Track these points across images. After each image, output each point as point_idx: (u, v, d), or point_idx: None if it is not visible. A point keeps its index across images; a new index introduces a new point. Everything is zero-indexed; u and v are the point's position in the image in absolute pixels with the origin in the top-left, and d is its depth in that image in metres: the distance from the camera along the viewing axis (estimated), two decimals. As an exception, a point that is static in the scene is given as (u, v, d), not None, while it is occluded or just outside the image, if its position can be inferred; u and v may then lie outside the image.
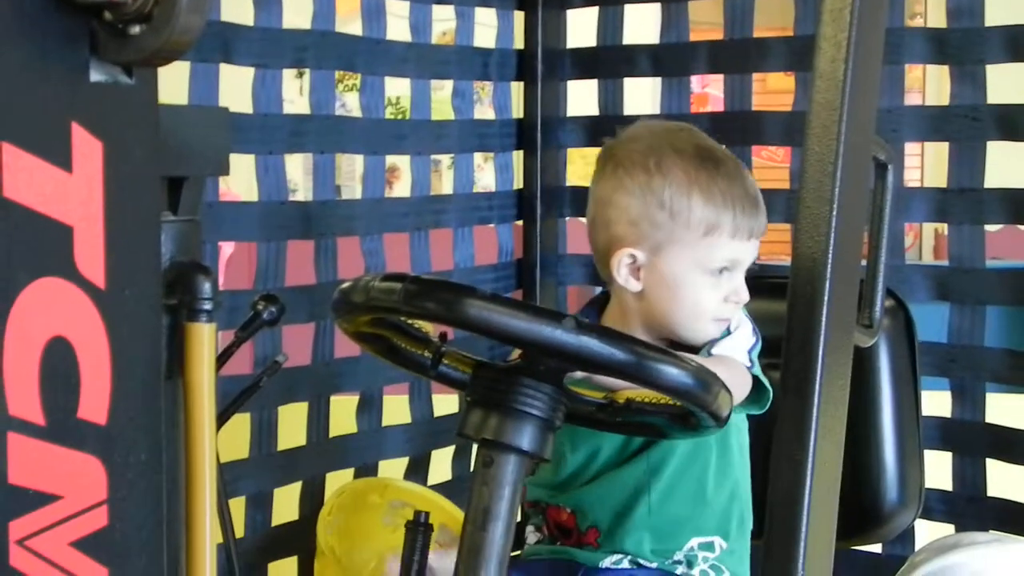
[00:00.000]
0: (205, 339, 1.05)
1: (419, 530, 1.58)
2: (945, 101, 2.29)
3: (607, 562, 1.71)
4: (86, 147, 0.89)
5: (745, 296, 1.69)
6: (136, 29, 0.88)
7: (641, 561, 1.71)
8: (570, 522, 1.75)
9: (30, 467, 0.88)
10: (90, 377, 0.91)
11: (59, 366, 0.90)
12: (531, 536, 1.81)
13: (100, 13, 0.89)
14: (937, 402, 2.23)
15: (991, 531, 2.16)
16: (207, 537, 1.08)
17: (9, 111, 0.85)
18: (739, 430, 1.74)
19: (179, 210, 1.08)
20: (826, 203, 1.25)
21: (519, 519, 1.82)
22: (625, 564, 1.71)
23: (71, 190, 0.88)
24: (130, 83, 0.92)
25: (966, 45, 2.22)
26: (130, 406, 0.94)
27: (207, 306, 1.05)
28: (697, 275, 1.67)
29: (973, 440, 2.24)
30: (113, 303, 0.92)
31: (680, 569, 1.72)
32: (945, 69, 2.28)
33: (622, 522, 1.71)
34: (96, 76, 0.90)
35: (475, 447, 1.50)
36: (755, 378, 1.66)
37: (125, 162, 0.91)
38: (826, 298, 1.24)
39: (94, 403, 0.92)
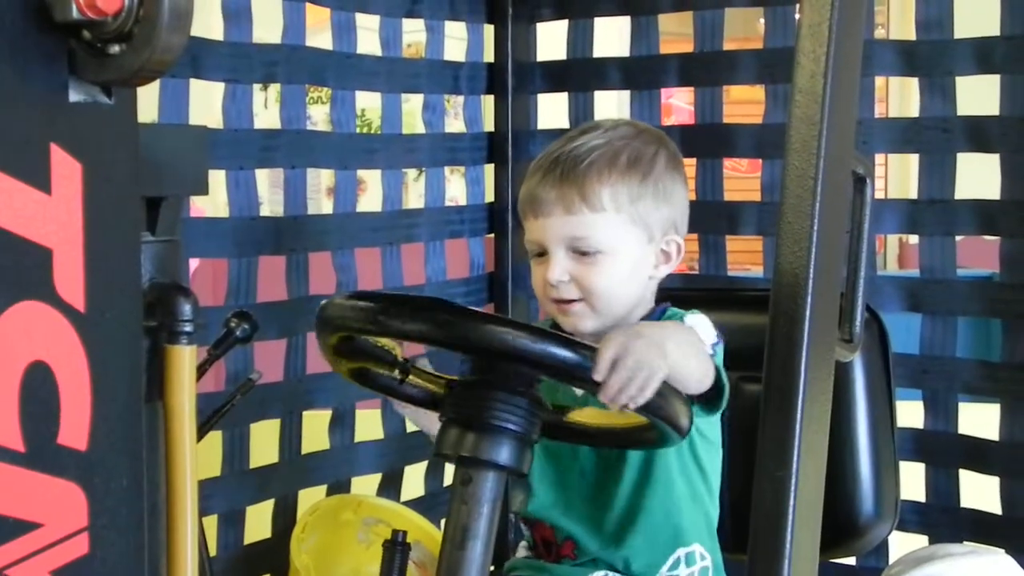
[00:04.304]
0: (186, 361, 1.03)
1: (396, 549, 1.57)
2: (909, 112, 2.30)
3: None
4: (65, 168, 0.87)
5: (549, 276, 1.64)
6: (116, 48, 0.87)
7: None
8: (551, 536, 1.75)
9: (10, 495, 0.87)
10: (70, 402, 0.90)
11: (39, 391, 0.88)
12: (521, 551, 1.80)
13: (79, 32, 0.87)
14: (909, 413, 2.23)
15: (965, 542, 2.17)
16: (188, 560, 1.07)
17: (-12, 133, 0.84)
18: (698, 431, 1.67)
19: (157, 230, 1.07)
20: (807, 218, 1.24)
21: (511, 534, 1.82)
22: None
23: (51, 212, 0.87)
24: (109, 103, 0.90)
25: (935, 57, 2.23)
26: (111, 431, 0.92)
27: (188, 328, 1.04)
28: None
29: (946, 451, 2.24)
30: (93, 326, 0.90)
31: None
32: (908, 80, 2.28)
33: (593, 533, 1.70)
34: (75, 96, 0.88)
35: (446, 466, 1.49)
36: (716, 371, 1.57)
37: (105, 183, 0.90)
38: (808, 314, 1.23)
39: (74, 429, 0.90)
